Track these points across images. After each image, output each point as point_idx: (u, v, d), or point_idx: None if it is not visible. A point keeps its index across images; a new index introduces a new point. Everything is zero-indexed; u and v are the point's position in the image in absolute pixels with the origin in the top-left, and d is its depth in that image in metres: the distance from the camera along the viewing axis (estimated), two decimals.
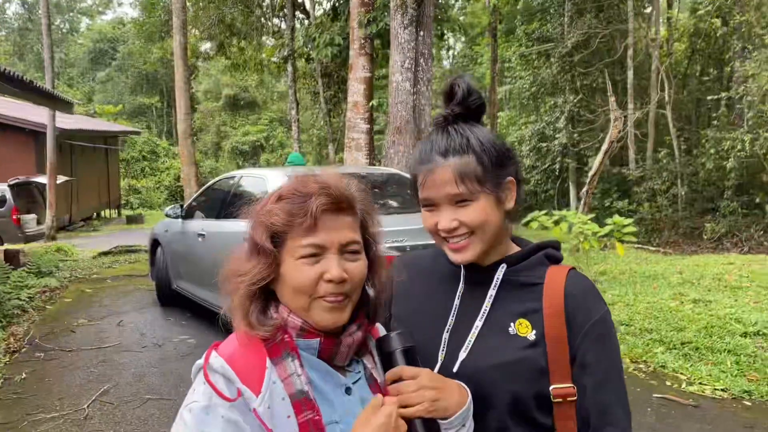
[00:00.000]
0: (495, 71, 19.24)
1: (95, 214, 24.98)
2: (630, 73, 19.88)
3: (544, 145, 23.68)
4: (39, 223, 17.23)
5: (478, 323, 1.31)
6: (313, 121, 21.45)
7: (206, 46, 24.84)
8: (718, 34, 21.20)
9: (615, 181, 22.05)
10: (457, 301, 1.36)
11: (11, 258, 9.54)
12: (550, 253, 1.38)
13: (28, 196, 17.64)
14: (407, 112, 9.45)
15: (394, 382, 1.18)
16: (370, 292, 1.24)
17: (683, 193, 19.42)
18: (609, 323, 1.28)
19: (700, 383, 4.99)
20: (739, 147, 16.80)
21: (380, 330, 1.33)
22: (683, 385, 4.98)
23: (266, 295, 1.18)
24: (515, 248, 1.40)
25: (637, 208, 20.00)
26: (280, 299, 1.17)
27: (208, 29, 17.30)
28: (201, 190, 7.49)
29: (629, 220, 7.91)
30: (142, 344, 6.29)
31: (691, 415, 4.43)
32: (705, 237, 18.07)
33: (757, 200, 17.59)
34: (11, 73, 8.82)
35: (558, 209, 13.64)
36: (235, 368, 1.07)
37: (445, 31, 12.44)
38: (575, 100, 21.92)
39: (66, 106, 12.88)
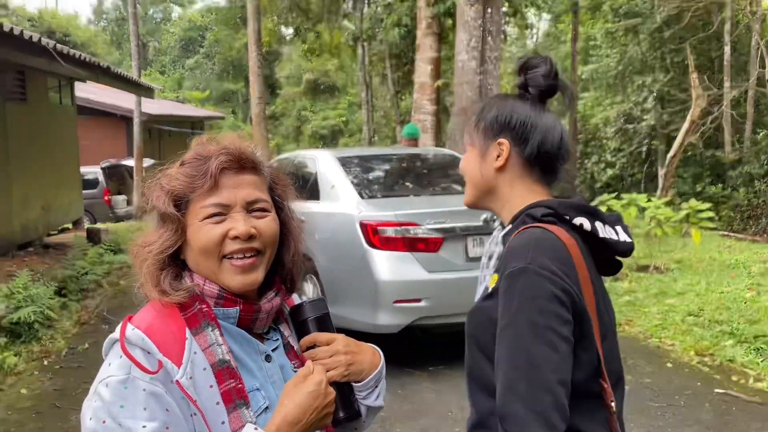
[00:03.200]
0: (575, 49, 18.44)
1: None
2: (727, 49, 18.56)
3: (631, 126, 22.61)
4: (129, 203, 18.17)
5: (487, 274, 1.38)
6: (384, 103, 21.45)
7: (289, 31, 25.28)
8: None
9: (708, 164, 20.74)
10: (484, 259, 1.46)
11: (93, 236, 10.10)
12: (532, 213, 1.32)
13: (118, 177, 18.63)
14: (473, 92, 9.20)
15: (310, 348, 1.19)
16: (286, 257, 1.23)
17: None
18: (514, 282, 1.17)
19: None
20: None
21: (295, 300, 1.32)
22: (750, 381, 4.60)
23: (179, 266, 1.16)
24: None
25: (732, 194, 18.72)
26: (192, 268, 1.15)
27: (284, 14, 17.54)
28: None
29: (706, 205, 7.37)
30: None
31: (753, 413, 4.09)
32: None
33: None
34: (90, 61, 9.27)
35: (645, 194, 12.93)
36: (154, 340, 1.06)
37: (518, 9, 11.99)
38: (665, 79, 20.77)
39: (147, 92, 13.48)
